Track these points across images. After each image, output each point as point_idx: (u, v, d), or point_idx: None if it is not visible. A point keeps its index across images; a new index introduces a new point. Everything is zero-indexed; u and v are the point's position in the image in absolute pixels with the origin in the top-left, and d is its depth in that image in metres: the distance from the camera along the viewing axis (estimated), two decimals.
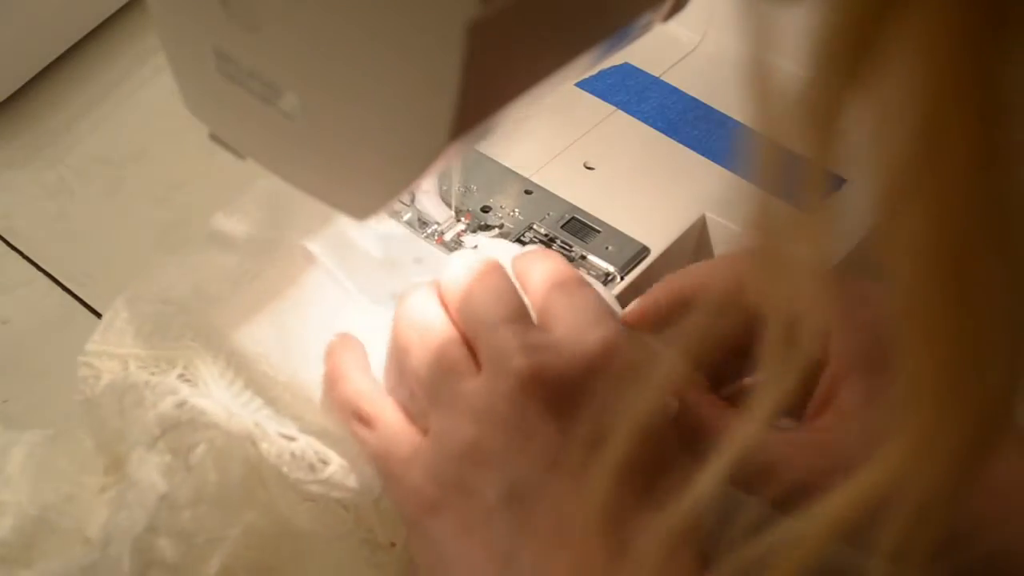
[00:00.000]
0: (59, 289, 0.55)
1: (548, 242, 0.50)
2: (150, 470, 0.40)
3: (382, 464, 0.39)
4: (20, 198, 0.60)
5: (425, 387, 0.39)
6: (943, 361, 0.25)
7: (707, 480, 0.30)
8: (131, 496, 0.40)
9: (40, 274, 0.56)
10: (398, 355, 0.40)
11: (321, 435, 0.41)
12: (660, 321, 0.43)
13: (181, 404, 0.41)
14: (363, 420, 0.40)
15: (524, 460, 0.36)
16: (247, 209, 0.49)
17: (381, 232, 0.49)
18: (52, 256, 0.57)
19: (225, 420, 0.41)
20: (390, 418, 0.39)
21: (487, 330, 0.38)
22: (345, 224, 0.49)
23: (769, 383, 0.29)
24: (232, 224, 0.48)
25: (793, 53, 0.24)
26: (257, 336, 0.44)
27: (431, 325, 0.40)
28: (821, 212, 0.26)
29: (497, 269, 0.40)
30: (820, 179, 0.25)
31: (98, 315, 0.54)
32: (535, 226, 0.51)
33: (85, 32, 0.67)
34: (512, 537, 0.36)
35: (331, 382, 0.41)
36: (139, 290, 0.46)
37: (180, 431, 0.41)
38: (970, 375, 0.25)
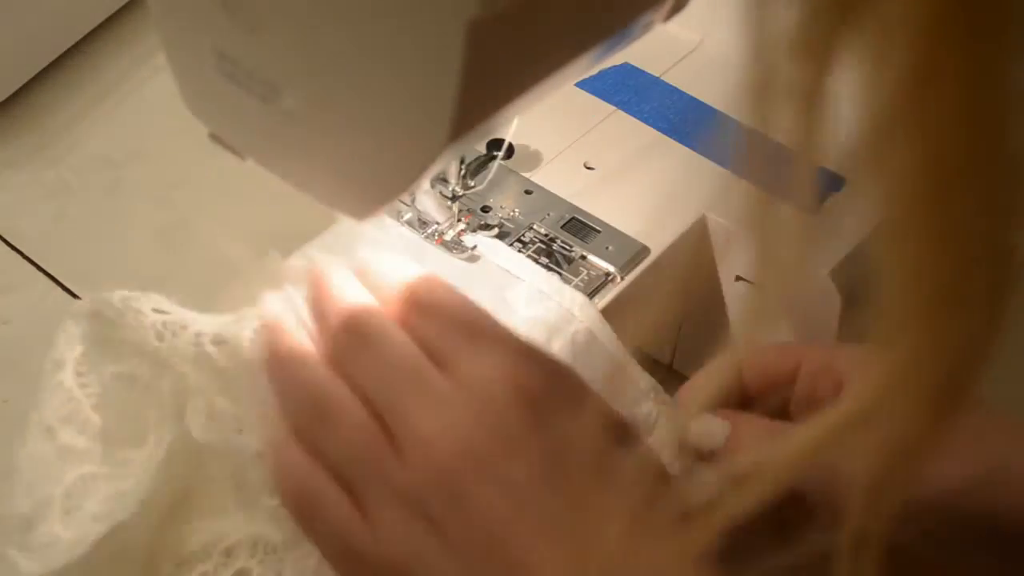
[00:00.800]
0: (59, 289, 0.55)
1: (548, 242, 0.50)
2: (67, 374, 0.40)
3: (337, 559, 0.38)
4: (20, 198, 0.60)
5: (354, 480, 0.37)
6: (923, 295, 0.25)
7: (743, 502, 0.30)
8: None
9: (40, 274, 0.56)
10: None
11: None
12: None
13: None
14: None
15: (478, 535, 0.35)
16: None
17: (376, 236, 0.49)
18: (52, 256, 0.57)
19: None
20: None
21: (399, 401, 0.37)
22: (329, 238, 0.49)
23: None
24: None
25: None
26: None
27: (339, 418, 0.38)
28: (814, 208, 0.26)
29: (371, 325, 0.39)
30: (814, 115, 0.25)
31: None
32: (535, 226, 0.51)
33: (85, 32, 0.67)
34: None
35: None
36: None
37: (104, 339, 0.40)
38: (949, 310, 0.25)
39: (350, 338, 0.39)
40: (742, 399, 0.44)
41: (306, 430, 0.38)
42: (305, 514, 0.37)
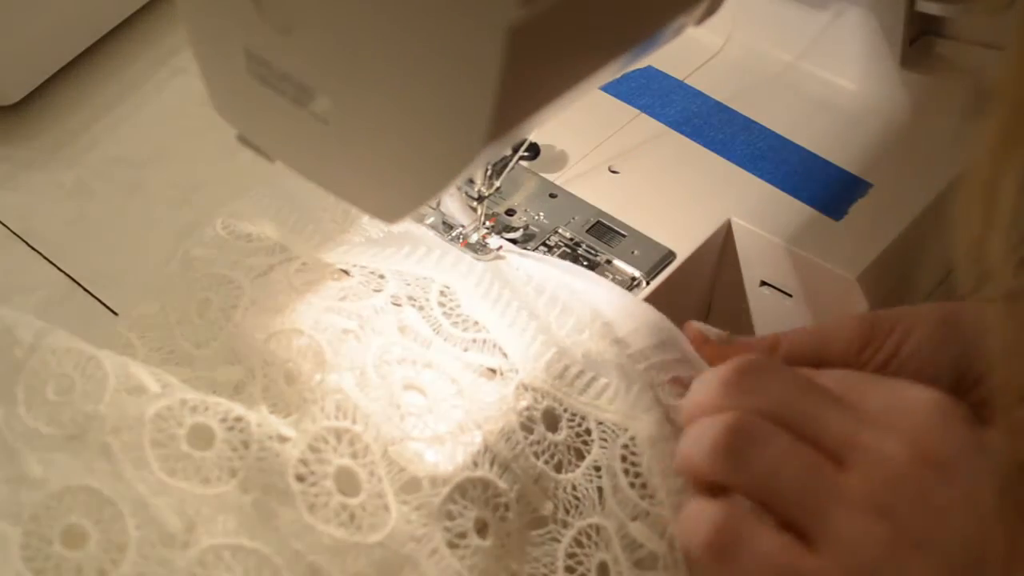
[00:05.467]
0: (80, 290, 0.55)
1: (573, 246, 0.50)
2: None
3: None
4: (39, 199, 0.60)
5: (795, 500, 0.36)
6: None
7: None
8: None
9: (60, 275, 0.56)
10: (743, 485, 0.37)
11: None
12: None
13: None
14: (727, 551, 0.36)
15: (952, 535, 0.35)
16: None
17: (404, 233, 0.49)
18: (71, 257, 0.57)
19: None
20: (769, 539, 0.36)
21: (818, 421, 0.37)
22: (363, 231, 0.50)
23: None
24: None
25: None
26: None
27: (767, 440, 0.37)
28: None
29: (762, 364, 0.39)
30: None
31: (117, 315, 0.54)
32: (560, 230, 0.50)
33: (103, 32, 0.67)
34: None
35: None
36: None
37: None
38: None
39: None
40: None
41: (724, 459, 0.37)
42: (727, 551, 0.36)
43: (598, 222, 0.51)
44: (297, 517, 0.38)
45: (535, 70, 0.32)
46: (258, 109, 0.37)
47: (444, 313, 0.44)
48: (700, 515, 0.37)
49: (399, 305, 0.44)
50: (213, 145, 0.61)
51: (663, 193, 0.53)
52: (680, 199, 0.52)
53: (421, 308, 0.44)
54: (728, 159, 0.54)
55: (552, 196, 0.52)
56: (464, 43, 0.30)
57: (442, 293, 0.45)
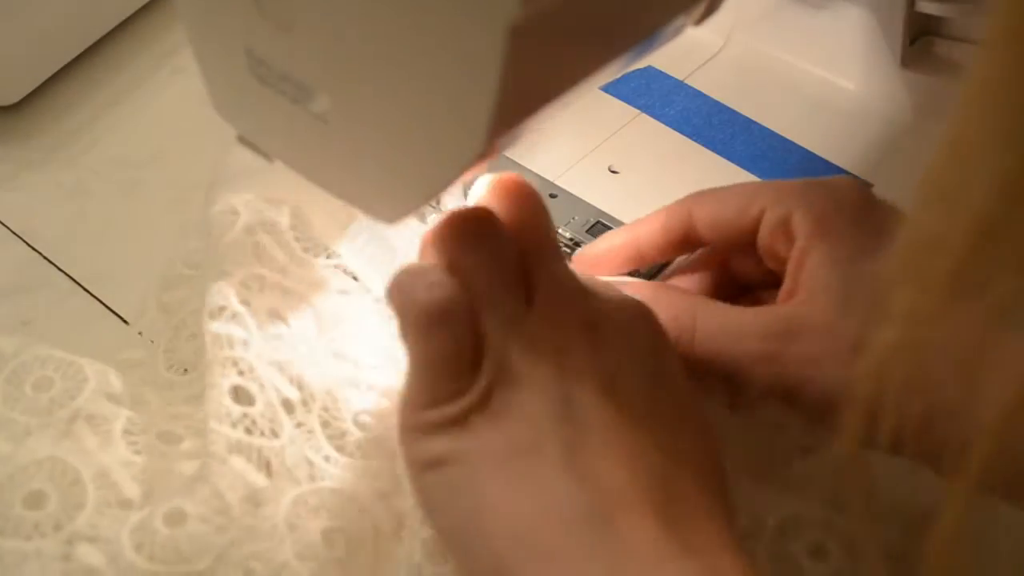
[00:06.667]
0: (80, 290, 0.55)
1: (574, 246, 0.50)
2: None
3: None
4: (38, 199, 0.60)
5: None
6: None
7: None
8: None
9: (60, 275, 0.56)
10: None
11: None
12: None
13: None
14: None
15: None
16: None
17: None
18: (71, 257, 0.57)
19: None
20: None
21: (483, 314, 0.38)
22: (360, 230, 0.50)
23: None
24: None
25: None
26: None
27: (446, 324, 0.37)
28: None
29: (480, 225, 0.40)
30: None
31: (117, 316, 0.54)
32: (560, 230, 0.50)
33: (103, 33, 0.67)
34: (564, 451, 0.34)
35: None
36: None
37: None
38: None
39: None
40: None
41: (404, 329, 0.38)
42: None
43: (598, 222, 0.51)
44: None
45: (537, 68, 0.32)
46: (258, 109, 0.37)
47: (296, 238, 0.46)
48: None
49: (254, 235, 0.45)
50: (212, 145, 0.61)
51: (663, 193, 0.52)
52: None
53: (274, 230, 0.46)
54: (728, 159, 0.54)
55: (552, 196, 0.52)
56: (464, 43, 0.30)
57: (293, 215, 0.46)
